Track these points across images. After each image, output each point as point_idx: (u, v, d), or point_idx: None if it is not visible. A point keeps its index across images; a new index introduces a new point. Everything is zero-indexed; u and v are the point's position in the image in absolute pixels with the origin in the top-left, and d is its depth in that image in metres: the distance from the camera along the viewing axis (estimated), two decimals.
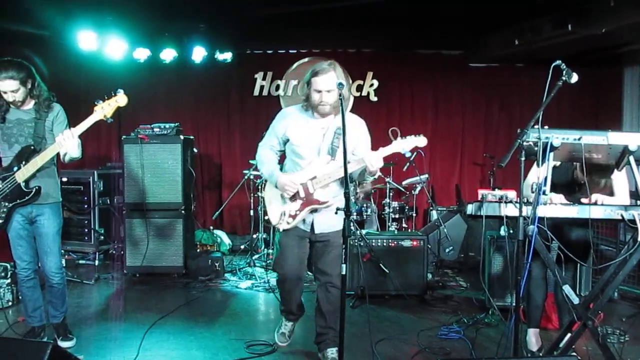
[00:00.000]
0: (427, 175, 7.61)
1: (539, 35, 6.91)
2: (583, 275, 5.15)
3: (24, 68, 4.01)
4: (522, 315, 4.81)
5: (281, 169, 4.05)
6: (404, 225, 7.87)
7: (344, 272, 3.10)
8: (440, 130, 9.00)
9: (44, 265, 4.27)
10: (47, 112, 4.16)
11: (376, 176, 4.05)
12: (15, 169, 4.03)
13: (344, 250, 3.12)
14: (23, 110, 4.14)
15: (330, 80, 3.73)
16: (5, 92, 3.98)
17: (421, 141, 3.85)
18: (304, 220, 3.92)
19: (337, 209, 3.54)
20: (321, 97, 3.76)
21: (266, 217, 7.63)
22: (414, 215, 7.94)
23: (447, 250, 7.14)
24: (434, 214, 7.52)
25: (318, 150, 3.90)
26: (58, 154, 4.14)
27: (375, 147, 3.89)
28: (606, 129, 3.21)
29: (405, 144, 3.82)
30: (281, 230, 3.96)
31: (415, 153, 7.30)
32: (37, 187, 4.07)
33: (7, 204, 4.06)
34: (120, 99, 4.01)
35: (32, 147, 4.07)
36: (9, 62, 3.95)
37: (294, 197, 3.85)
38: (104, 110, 3.96)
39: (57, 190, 4.28)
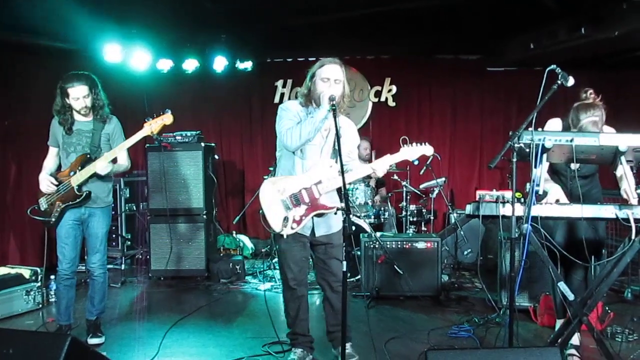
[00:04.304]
0: (444, 179, 7.68)
1: (554, 39, 6.96)
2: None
3: (91, 77, 4.53)
4: (531, 313, 4.97)
5: (275, 170, 4.10)
6: (422, 228, 7.95)
7: (344, 269, 3.22)
8: (459, 135, 9.08)
9: (89, 261, 4.69)
10: (104, 124, 4.59)
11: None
12: (72, 173, 4.45)
13: (344, 248, 3.21)
14: (83, 122, 4.56)
15: (338, 71, 3.76)
16: (77, 99, 4.43)
17: (427, 150, 3.87)
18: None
19: (338, 208, 3.66)
20: (329, 85, 3.71)
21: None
22: (433, 218, 8.01)
23: (465, 252, 7.22)
24: (453, 217, 7.61)
25: (321, 149, 3.90)
26: (115, 160, 4.54)
27: (392, 151, 3.96)
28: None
29: (412, 152, 3.85)
30: (285, 236, 3.82)
31: (432, 157, 7.40)
32: (87, 192, 4.48)
33: (60, 204, 4.47)
34: (167, 118, 4.43)
35: (88, 156, 4.48)
36: (79, 72, 4.51)
37: (298, 202, 3.79)
38: (152, 127, 4.38)
39: (109, 195, 4.71)
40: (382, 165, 3.81)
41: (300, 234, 3.90)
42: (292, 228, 3.79)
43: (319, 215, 3.86)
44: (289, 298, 4.12)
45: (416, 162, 3.95)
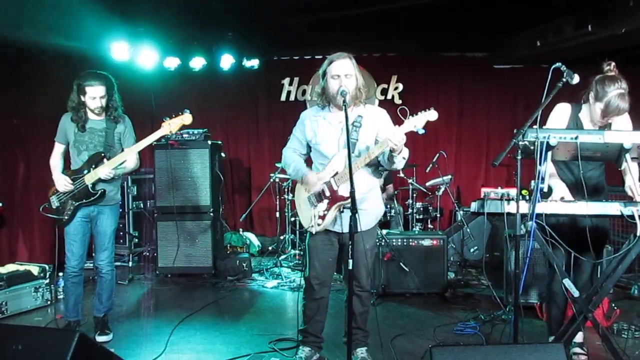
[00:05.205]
0: (450, 177, 7.68)
1: (560, 36, 6.94)
2: None
3: (108, 78, 4.57)
4: (537, 309, 4.96)
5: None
6: (429, 226, 7.96)
7: (350, 267, 3.21)
8: (465, 132, 9.08)
9: (97, 258, 4.71)
10: (116, 124, 4.62)
11: (405, 156, 3.69)
12: (85, 172, 4.47)
13: (350, 246, 3.19)
14: (96, 120, 4.58)
15: (347, 65, 3.69)
16: (94, 98, 4.46)
17: (432, 115, 3.53)
18: (334, 221, 3.81)
19: (344, 207, 3.65)
20: (340, 82, 3.65)
21: (294, 219, 7.97)
22: (439, 216, 8.02)
23: (472, 250, 7.22)
24: (459, 215, 7.61)
25: (338, 144, 3.81)
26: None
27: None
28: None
29: (417, 121, 3.53)
30: (314, 232, 3.83)
31: (438, 154, 7.44)
32: (102, 190, 4.51)
33: (74, 202, 4.50)
34: (187, 118, 4.49)
35: (102, 154, 4.49)
36: (98, 72, 4.55)
37: (320, 198, 3.78)
38: (170, 126, 4.43)
39: (117, 193, 4.75)
40: (396, 134, 3.44)
41: (331, 230, 3.86)
42: (318, 224, 3.79)
43: (344, 209, 3.73)
44: (308, 297, 4.08)
45: (422, 132, 3.60)
